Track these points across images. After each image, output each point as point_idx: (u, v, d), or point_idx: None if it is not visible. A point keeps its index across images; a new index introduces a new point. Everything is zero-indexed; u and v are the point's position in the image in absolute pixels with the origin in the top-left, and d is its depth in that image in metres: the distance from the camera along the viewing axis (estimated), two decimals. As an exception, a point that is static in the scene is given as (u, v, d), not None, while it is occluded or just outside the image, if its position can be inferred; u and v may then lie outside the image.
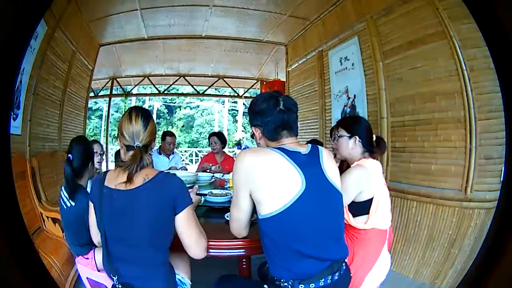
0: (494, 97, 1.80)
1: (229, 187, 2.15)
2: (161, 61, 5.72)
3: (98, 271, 1.29)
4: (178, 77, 6.75)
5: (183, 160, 7.03)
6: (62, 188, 1.38)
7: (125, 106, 8.48)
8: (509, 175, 0.88)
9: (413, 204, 2.23)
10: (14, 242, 0.77)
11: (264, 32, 4.21)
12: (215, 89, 8.18)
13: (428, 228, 2.11)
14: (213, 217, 1.57)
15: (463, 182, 1.93)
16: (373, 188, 1.26)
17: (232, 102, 17.91)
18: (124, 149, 1.04)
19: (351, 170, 1.28)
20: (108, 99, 6.80)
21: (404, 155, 2.35)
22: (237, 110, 17.71)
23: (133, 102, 13.43)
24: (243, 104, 14.79)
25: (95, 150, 1.91)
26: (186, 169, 3.05)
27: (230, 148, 10.99)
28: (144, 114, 1.06)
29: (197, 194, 1.24)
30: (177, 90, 11.81)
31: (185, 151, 14.51)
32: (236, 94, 7.81)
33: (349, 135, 1.37)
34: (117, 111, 13.82)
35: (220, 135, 3.22)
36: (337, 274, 0.96)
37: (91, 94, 5.57)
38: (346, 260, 1.05)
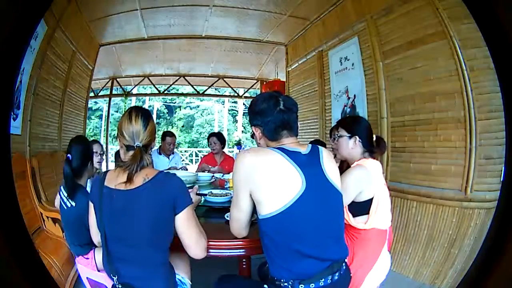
0: (494, 97, 1.80)
1: (229, 187, 2.15)
2: (161, 61, 5.72)
3: (98, 271, 1.29)
4: (178, 77, 6.75)
5: (183, 160, 7.04)
6: (61, 187, 1.38)
7: (125, 106, 8.48)
8: (509, 175, 0.88)
9: (413, 204, 2.23)
10: (14, 242, 0.77)
11: (264, 32, 4.21)
12: (215, 89, 8.18)
13: (428, 228, 2.11)
14: (213, 217, 1.57)
15: (463, 182, 1.93)
16: (373, 188, 1.26)
17: (232, 102, 17.90)
18: (124, 149, 1.04)
19: (351, 170, 1.28)
20: (108, 99, 6.80)
21: (404, 155, 2.35)
22: (237, 110, 17.71)
23: (133, 102, 13.42)
24: (243, 104, 14.78)
25: (95, 150, 1.91)
26: (186, 169, 3.05)
27: (230, 148, 10.98)
28: (144, 114, 1.06)
29: (197, 194, 1.24)
30: (177, 90, 11.81)
31: (185, 151, 14.50)
32: (236, 94, 7.82)
33: (349, 135, 1.37)
34: (117, 111, 13.81)
35: (219, 136, 3.21)
36: (337, 274, 0.96)
37: (91, 94, 5.57)
38: (346, 260, 1.05)
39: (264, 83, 6.28)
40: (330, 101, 3.41)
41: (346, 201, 1.23)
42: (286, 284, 0.92)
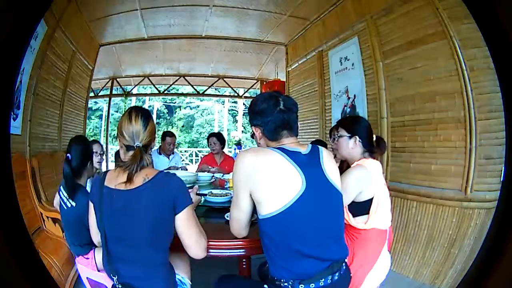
0: (494, 97, 1.80)
1: (229, 187, 2.15)
2: (161, 61, 5.72)
3: (98, 271, 1.29)
4: (178, 77, 6.75)
5: (183, 160, 7.03)
6: (61, 187, 1.38)
7: (125, 106, 8.49)
8: (509, 175, 0.88)
9: (413, 204, 2.23)
10: (14, 242, 0.77)
11: (264, 32, 4.21)
12: (215, 89, 8.19)
13: (428, 228, 2.11)
14: (213, 217, 1.57)
15: (463, 182, 1.93)
16: (373, 188, 1.26)
17: (232, 102, 17.91)
18: (124, 149, 1.04)
19: (351, 170, 1.28)
20: (108, 99, 6.81)
21: (404, 155, 2.35)
22: (237, 110, 17.71)
23: (133, 102, 13.43)
24: (243, 104, 14.79)
25: (95, 150, 1.91)
26: (186, 169, 3.05)
27: (229, 148, 10.98)
28: (144, 114, 1.06)
29: (197, 194, 1.24)
30: (177, 90, 11.81)
31: (185, 151, 14.51)
32: (236, 94, 7.82)
33: (349, 135, 1.37)
34: (117, 111, 13.82)
35: (219, 136, 3.21)
36: (337, 274, 0.96)
37: (91, 94, 5.58)
38: (346, 260, 1.05)
39: (264, 83, 6.28)
40: (330, 101, 3.41)
41: (346, 201, 1.23)
42: (286, 284, 0.92)
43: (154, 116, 16.23)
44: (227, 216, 1.27)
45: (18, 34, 0.78)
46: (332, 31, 3.31)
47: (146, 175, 0.98)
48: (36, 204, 2.33)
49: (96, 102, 13.80)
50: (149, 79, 6.86)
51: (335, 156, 1.42)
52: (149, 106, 16.69)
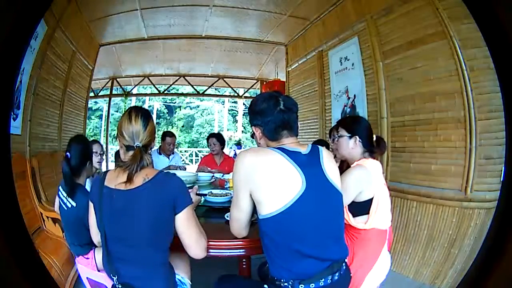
0: (494, 97, 1.80)
1: (229, 187, 2.15)
2: (161, 61, 5.72)
3: (98, 271, 1.29)
4: (178, 77, 6.75)
5: (183, 160, 7.03)
6: (60, 187, 1.38)
7: (125, 106, 8.49)
8: (509, 175, 0.88)
9: (413, 204, 2.23)
10: (14, 242, 0.77)
11: (264, 32, 4.21)
12: (215, 89, 8.18)
13: (428, 228, 2.11)
14: (213, 217, 1.57)
15: (463, 182, 1.93)
16: (373, 188, 1.26)
17: (232, 102, 17.92)
18: (124, 149, 1.04)
19: (351, 170, 1.28)
20: (108, 99, 6.80)
21: (404, 155, 2.35)
22: (237, 110, 17.72)
23: (133, 102, 13.44)
24: (243, 104, 14.79)
25: (95, 150, 1.91)
26: (185, 168, 3.05)
27: (229, 148, 10.98)
28: (143, 114, 1.05)
29: (197, 194, 1.24)
30: (177, 90, 11.81)
31: (185, 151, 14.51)
32: (236, 94, 7.82)
33: (349, 135, 1.37)
34: (117, 111, 13.82)
35: (218, 136, 3.20)
36: (337, 274, 0.96)
37: (91, 94, 5.57)
38: (346, 260, 1.05)
39: (264, 83, 6.28)
40: (330, 101, 3.41)
41: (346, 201, 1.23)
42: (286, 284, 0.92)
43: (154, 116, 16.24)
44: (227, 216, 1.27)
45: (18, 34, 0.78)
46: (332, 31, 3.31)
47: (146, 175, 0.98)
48: (36, 204, 2.33)
49: (96, 102, 13.80)
50: (149, 79, 6.85)
51: (335, 156, 1.42)
52: (149, 106, 16.69)
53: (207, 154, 3.44)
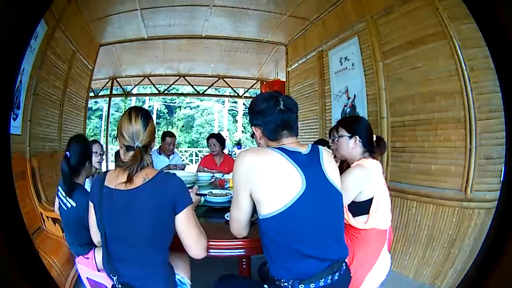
0: (494, 97, 1.80)
1: (229, 187, 2.15)
2: (161, 61, 5.72)
3: (98, 271, 1.29)
4: (178, 77, 6.75)
5: (183, 160, 7.03)
6: (59, 187, 1.38)
7: (125, 106, 8.49)
8: (509, 175, 0.88)
9: (413, 204, 2.23)
10: (14, 242, 0.77)
11: (264, 32, 4.21)
12: (215, 89, 8.19)
13: (428, 228, 2.11)
14: (213, 217, 1.57)
15: (463, 182, 1.93)
16: (373, 188, 1.26)
17: (232, 102, 17.91)
18: (124, 149, 1.04)
19: (351, 170, 1.28)
20: (108, 99, 6.81)
21: (404, 155, 2.35)
22: (237, 110, 17.71)
23: (133, 102, 13.43)
24: (243, 104, 14.79)
25: (94, 150, 1.91)
26: (184, 166, 3.05)
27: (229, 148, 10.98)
28: (143, 114, 1.06)
29: (197, 194, 1.24)
30: (177, 90, 11.81)
31: (185, 151, 14.50)
32: (236, 94, 7.82)
33: (349, 135, 1.37)
34: (117, 111, 13.81)
35: (218, 137, 3.20)
36: (337, 274, 0.96)
37: (91, 94, 5.58)
38: (346, 260, 1.05)
39: (264, 83, 6.28)
40: (330, 101, 3.41)
41: (346, 201, 1.23)
42: (286, 284, 0.92)
43: (154, 116, 16.24)
44: (227, 216, 1.27)
45: (18, 34, 0.78)
46: (332, 31, 3.31)
47: (146, 175, 0.98)
48: (36, 204, 2.33)
49: (96, 102, 13.79)
50: (149, 79, 6.86)
51: (335, 156, 1.42)
52: (149, 106, 16.68)
53: (207, 154, 3.44)
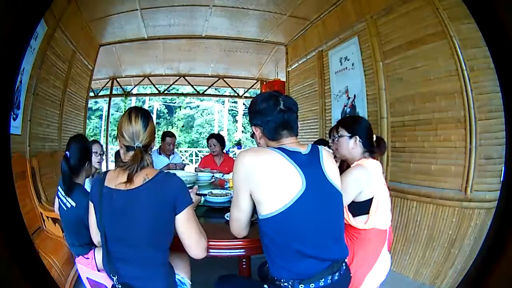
0: (494, 97, 1.80)
1: (229, 187, 2.15)
2: (161, 61, 5.72)
3: (98, 271, 1.29)
4: (178, 77, 6.75)
5: (183, 160, 7.03)
6: (58, 187, 1.38)
7: (125, 106, 8.48)
8: (509, 175, 0.87)
9: (413, 204, 2.23)
10: (14, 242, 0.77)
11: (264, 32, 4.21)
12: (215, 89, 8.19)
13: (428, 228, 2.11)
14: (213, 217, 1.57)
15: (463, 182, 1.93)
16: (373, 188, 1.26)
17: (232, 102, 17.89)
18: (124, 149, 1.04)
19: (351, 170, 1.28)
20: (108, 99, 6.81)
21: (404, 155, 2.35)
22: (237, 110, 17.70)
23: (133, 102, 13.42)
24: (243, 104, 14.78)
25: (94, 150, 1.91)
26: (184, 165, 3.05)
27: (230, 148, 10.98)
28: (143, 114, 1.06)
29: (197, 194, 1.24)
30: (177, 90, 11.80)
31: (185, 151, 14.50)
32: (236, 94, 7.82)
33: (349, 135, 1.37)
34: (117, 111, 13.81)
35: (219, 137, 3.19)
36: (337, 274, 0.96)
37: (91, 94, 5.58)
38: (346, 260, 1.05)
39: (264, 83, 6.28)
40: (330, 101, 3.41)
41: (346, 201, 1.23)
42: (286, 284, 0.92)
43: (154, 116, 16.24)
44: (227, 216, 1.27)
45: (18, 34, 0.78)
46: (332, 31, 3.31)
47: (146, 175, 0.98)
48: (36, 204, 2.33)
49: (96, 102, 13.78)
50: (149, 79, 6.86)
51: (335, 156, 1.42)
52: (149, 106, 16.68)
53: (207, 154, 3.44)
